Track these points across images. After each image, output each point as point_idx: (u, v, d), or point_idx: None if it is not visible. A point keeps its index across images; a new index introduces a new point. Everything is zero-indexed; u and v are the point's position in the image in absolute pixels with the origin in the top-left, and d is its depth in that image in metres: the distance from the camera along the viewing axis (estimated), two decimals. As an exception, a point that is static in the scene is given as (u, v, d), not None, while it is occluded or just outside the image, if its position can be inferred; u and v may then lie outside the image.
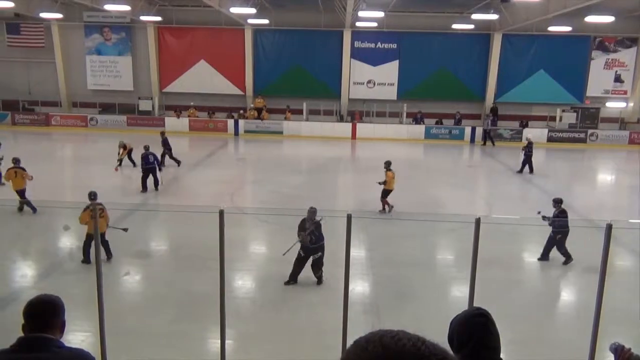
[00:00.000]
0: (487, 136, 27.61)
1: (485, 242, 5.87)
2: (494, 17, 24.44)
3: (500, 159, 23.25)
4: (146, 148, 16.24)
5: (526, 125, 28.80)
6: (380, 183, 14.31)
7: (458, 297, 8.94)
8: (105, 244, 10.08)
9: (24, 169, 13.69)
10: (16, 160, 13.89)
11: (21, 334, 2.68)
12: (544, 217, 10.44)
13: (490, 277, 8.81)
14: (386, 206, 14.29)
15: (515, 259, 11.63)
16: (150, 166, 15.95)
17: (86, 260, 9.96)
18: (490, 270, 9.34)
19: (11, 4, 21.65)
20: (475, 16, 24.36)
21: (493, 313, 2.47)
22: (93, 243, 7.57)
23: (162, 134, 19.90)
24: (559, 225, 10.54)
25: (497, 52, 28.60)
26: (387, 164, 14.58)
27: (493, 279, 9.19)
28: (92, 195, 10.77)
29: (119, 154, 18.52)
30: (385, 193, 14.37)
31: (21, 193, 13.44)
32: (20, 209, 13.49)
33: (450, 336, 2.41)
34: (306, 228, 9.36)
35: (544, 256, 10.92)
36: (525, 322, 8.19)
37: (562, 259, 10.75)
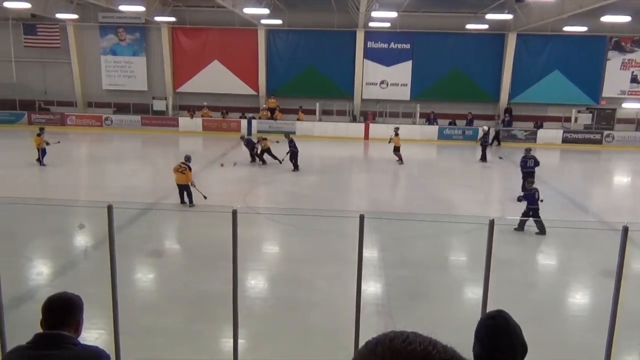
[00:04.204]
0: (496, 136, 27.45)
1: (500, 243, 5.83)
2: (508, 17, 24.27)
3: (514, 160, 23.06)
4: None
5: (541, 126, 28.59)
6: (389, 142, 21.40)
7: (471, 299, 8.87)
8: (189, 195, 13.97)
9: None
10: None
11: (38, 330, 2.71)
12: (519, 199, 12.71)
13: (504, 279, 8.76)
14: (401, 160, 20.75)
15: (529, 260, 11.54)
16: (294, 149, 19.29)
17: (187, 201, 14.03)
18: (505, 272, 9.29)
19: (28, 5, 21.92)
20: (489, 16, 24.20)
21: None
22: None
23: (242, 137, 21.16)
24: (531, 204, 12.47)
25: (512, 53, 28.38)
26: (396, 129, 21.85)
27: (507, 281, 9.13)
28: (186, 158, 14.31)
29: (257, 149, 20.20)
30: (397, 149, 20.94)
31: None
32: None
33: (474, 339, 2.41)
34: None
35: (520, 227, 12.54)
36: (540, 324, 8.10)
37: (575, 260, 10.66)
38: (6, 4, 21.62)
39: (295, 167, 19.49)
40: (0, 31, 30.07)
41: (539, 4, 21.84)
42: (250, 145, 20.58)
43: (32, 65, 30.78)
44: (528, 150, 17.06)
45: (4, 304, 5.75)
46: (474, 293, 8.95)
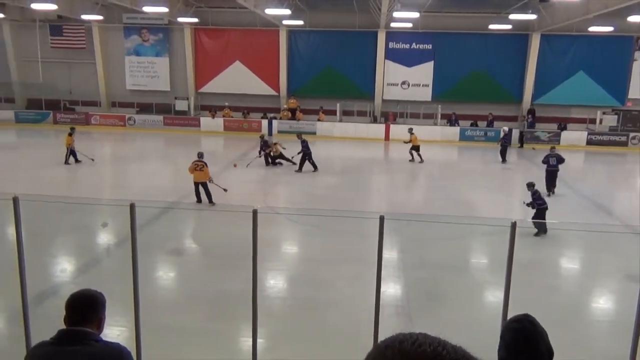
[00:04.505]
0: (520, 137, 27.12)
1: (522, 246, 5.76)
2: (532, 17, 23.98)
3: (537, 162, 22.76)
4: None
5: (565, 128, 28.17)
6: (405, 142, 22.35)
7: (492, 302, 8.79)
8: (208, 193, 14.09)
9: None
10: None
11: (62, 326, 2.76)
12: (528, 204, 12.42)
13: (526, 282, 8.64)
14: (417, 157, 21.74)
15: (552, 264, 11.37)
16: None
17: (207, 199, 14.13)
18: (526, 275, 9.17)
19: (54, 7, 22.33)
20: (513, 16, 23.93)
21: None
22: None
23: (262, 137, 20.83)
24: (538, 203, 12.39)
25: (535, 53, 28.02)
26: (410, 130, 22.52)
27: (529, 284, 9.01)
28: (200, 155, 14.37)
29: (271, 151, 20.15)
30: (417, 148, 21.75)
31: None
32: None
33: (500, 342, 2.39)
34: None
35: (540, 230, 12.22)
36: (562, 329, 7.98)
37: (599, 264, 10.48)
38: (33, 6, 22.08)
39: (300, 168, 19.34)
40: (27, 32, 30.71)
41: (564, 3, 21.52)
42: (265, 147, 20.38)
43: (58, 66, 31.35)
44: (552, 148, 17.32)
45: (29, 299, 5.86)
46: (494, 296, 8.87)
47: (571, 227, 12.10)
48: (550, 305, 8.97)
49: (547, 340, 2.34)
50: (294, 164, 19.82)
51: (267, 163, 20.23)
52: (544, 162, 16.58)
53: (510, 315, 2.63)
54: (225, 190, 14.39)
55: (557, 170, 16.36)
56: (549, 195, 15.82)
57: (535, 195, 12.51)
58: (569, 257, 11.98)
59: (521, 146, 27.00)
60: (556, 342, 2.42)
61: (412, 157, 21.95)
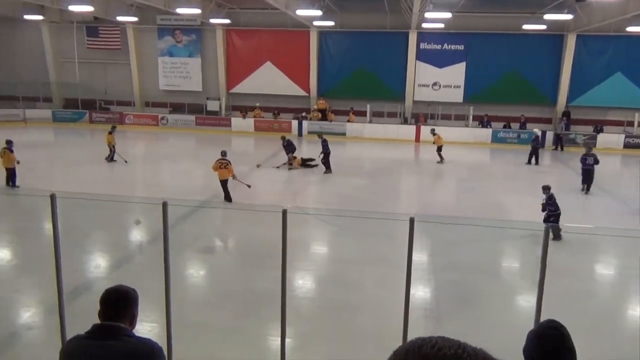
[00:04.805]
0: (559, 141, 26.56)
1: (555, 251, 5.64)
2: (568, 17, 23.46)
3: (571, 165, 22.28)
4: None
5: (601, 131, 27.46)
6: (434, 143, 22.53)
7: (524, 307, 8.64)
8: (226, 190, 14.46)
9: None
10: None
11: (96, 320, 2.83)
12: (543, 205, 12.10)
13: (559, 287, 8.47)
14: (443, 159, 21.95)
15: (586, 269, 11.11)
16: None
17: (229, 199, 14.50)
18: (560, 280, 8.98)
19: (91, 8, 22.88)
20: (547, 16, 23.47)
21: (561, 325, 2.37)
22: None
23: (283, 138, 20.44)
24: (551, 210, 12.04)
25: (571, 54, 27.43)
26: (432, 131, 23.14)
27: (562, 290, 8.82)
28: (223, 153, 14.77)
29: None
30: (440, 148, 22.08)
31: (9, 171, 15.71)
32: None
33: (525, 349, 2.34)
34: None
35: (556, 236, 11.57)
36: (596, 336, 7.80)
37: (636, 270, 10.18)
38: (71, 7, 22.65)
39: (327, 169, 19.26)
40: (65, 33, 31.55)
41: (601, 3, 21.01)
42: (290, 148, 19.94)
43: (93, 66, 32.11)
44: (589, 148, 17.93)
45: (64, 294, 6.01)
46: (526, 301, 8.72)
47: (606, 231, 11.79)
48: (584, 312, 8.78)
49: (574, 350, 2.30)
50: (315, 166, 19.79)
51: (289, 168, 19.84)
52: (581, 161, 17.54)
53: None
54: (249, 186, 14.81)
55: (593, 170, 17.22)
56: (583, 190, 17.21)
57: (551, 201, 12.14)
58: (604, 262, 11.69)
59: (556, 148, 26.45)
60: (589, 350, 2.37)
61: (441, 159, 22.07)
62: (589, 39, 27.11)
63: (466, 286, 9.70)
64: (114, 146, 20.09)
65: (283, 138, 20.39)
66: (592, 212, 15.90)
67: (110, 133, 20.32)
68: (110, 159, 20.04)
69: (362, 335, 7.86)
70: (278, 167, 19.60)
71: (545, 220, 11.87)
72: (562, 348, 2.28)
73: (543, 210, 12.12)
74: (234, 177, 14.71)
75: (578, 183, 17.57)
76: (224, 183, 14.66)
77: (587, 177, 17.24)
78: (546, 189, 12.34)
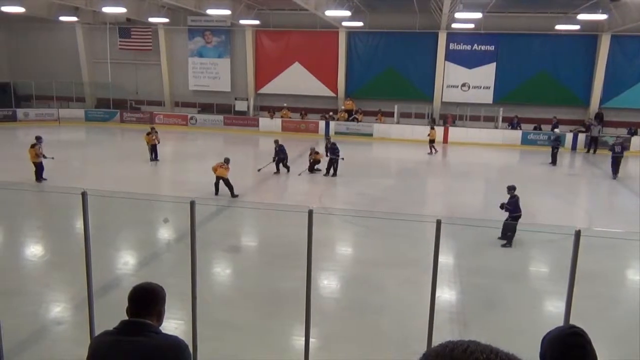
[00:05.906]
0: (593, 143, 25.93)
1: (585, 255, 5.52)
2: (602, 17, 22.93)
3: (604, 168, 21.80)
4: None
5: (635, 133, 26.74)
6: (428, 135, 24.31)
7: (552, 312, 8.48)
8: (229, 187, 15.16)
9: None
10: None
11: (124, 316, 2.89)
12: (504, 207, 11.78)
13: (588, 293, 8.29)
14: (433, 150, 24.11)
15: (617, 275, 10.86)
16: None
17: (234, 194, 15.22)
18: (589, 286, 8.79)
19: (124, 10, 23.31)
20: (581, 16, 22.97)
21: (589, 332, 2.30)
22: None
23: (276, 142, 19.66)
24: (510, 210, 11.72)
25: (605, 55, 26.79)
26: (431, 125, 25.54)
27: (591, 296, 8.64)
28: (226, 161, 15.59)
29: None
30: (432, 141, 24.19)
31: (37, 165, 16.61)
32: None
33: (542, 354, 2.27)
34: None
35: (507, 242, 11.66)
36: (625, 344, 7.61)
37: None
38: (105, 9, 23.12)
39: (328, 172, 18.84)
40: (98, 34, 32.23)
41: (636, 3, 20.48)
42: (282, 153, 18.99)
43: (125, 67, 32.68)
44: (618, 137, 20.04)
45: (94, 290, 6.13)
46: (554, 306, 8.56)
47: (635, 236, 11.48)
48: (614, 319, 8.58)
49: (594, 354, 2.23)
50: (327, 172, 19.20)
51: (310, 170, 19.33)
52: (610, 149, 19.53)
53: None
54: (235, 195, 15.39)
55: (622, 157, 19.17)
56: (614, 178, 18.91)
57: (512, 199, 11.80)
58: (636, 268, 11.40)
59: (588, 151, 25.86)
60: (617, 358, 2.31)
61: (431, 151, 24.19)
62: (624, 39, 26.44)
63: (493, 290, 9.57)
64: (152, 146, 20.50)
65: (276, 142, 19.46)
66: (623, 217, 15.48)
67: (148, 134, 20.80)
68: (154, 158, 20.62)
69: (386, 337, 7.83)
70: (300, 174, 19.03)
71: (505, 220, 11.73)
72: (581, 353, 2.22)
73: (506, 210, 11.77)
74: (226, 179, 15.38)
75: (613, 186, 17.23)
76: (226, 181, 15.31)
77: (616, 165, 19.16)
78: (511, 189, 12.04)
